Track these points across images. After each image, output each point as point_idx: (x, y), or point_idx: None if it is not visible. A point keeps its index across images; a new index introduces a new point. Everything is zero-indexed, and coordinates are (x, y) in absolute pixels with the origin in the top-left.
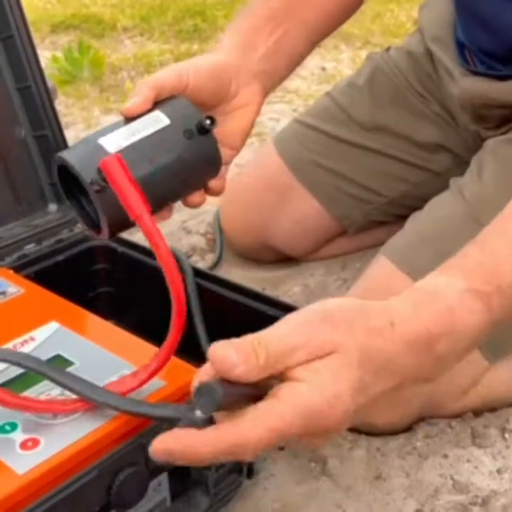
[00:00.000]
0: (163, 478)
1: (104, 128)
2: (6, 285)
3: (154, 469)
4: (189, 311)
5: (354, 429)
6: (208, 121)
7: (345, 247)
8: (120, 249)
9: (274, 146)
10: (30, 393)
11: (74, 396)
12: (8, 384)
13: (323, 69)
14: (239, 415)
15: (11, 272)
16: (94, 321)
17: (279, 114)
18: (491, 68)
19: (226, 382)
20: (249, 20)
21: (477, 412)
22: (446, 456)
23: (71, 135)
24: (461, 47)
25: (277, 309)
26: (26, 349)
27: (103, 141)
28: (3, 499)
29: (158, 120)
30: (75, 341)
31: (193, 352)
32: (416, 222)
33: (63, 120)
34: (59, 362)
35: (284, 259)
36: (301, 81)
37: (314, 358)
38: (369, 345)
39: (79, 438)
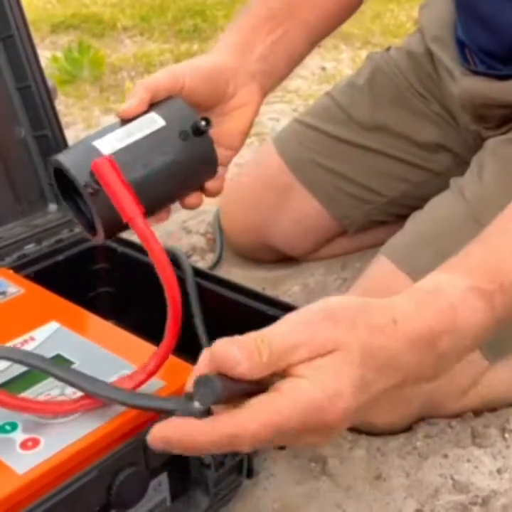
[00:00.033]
0: (163, 478)
1: (100, 130)
2: (6, 285)
3: (154, 469)
4: (189, 311)
5: (354, 429)
6: (203, 122)
7: (345, 247)
8: (120, 249)
9: (274, 146)
10: (30, 393)
11: (72, 396)
12: (8, 383)
13: (323, 69)
14: (238, 407)
15: (11, 271)
16: (94, 321)
17: (279, 113)
18: (491, 68)
19: (227, 377)
20: (248, 20)
21: (477, 412)
22: (446, 456)
23: (71, 135)
24: (461, 46)
25: (277, 309)
26: (26, 349)
27: (98, 143)
28: (3, 499)
29: (154, 122)
30: (75, 341)
31: (193, 352)
32: (416, 222)
33: (63, 120)
34: (59, 362)
35: (284, 259)
36: (301, 81)
37: (316, 355)
38: (371, 343)
39: (79, 438)
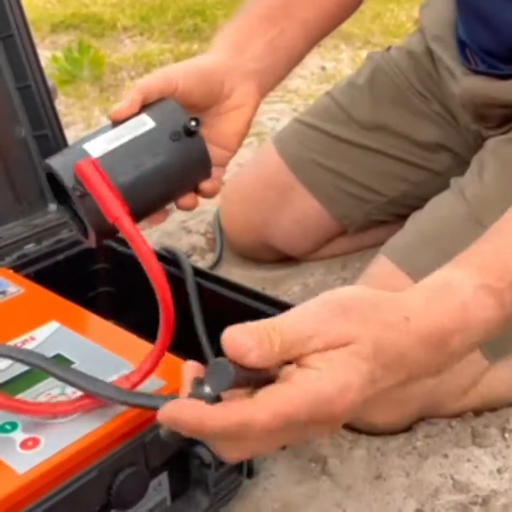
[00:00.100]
0: (163, 477)
1: (92, 133)
2: (5, 285)
3: (154, 469)
4: (189, 311)
5: (354, 429)
6: (192, 123)
7: (345, 246)
8: (120, 248)
9: (273, 146)
10: (31, 392)
11: (72, 396)
12: (9, 383)
13: (323, 68)
14: (249, 396)
15: (11, 271)
16: (94, 321)
17: (279, 113)
18: (492, 67)
19: (237, 364)
20: (244, 20)
21: (477, 412)
22: (446, 455)
23: (71, 135)
24: (462, 46)
25: (277, 309)
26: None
27: (88, 146)
28: (3, 499)
29: (144, 123)
30: (75, 341)
31: (193, 351)
32: (416, 221)
33: (63, 120)
34: (59, 361)
35: (284, 258)
36: (301, 80)
37: (329, 347)
38: (383, 339)
39: (79, 438)
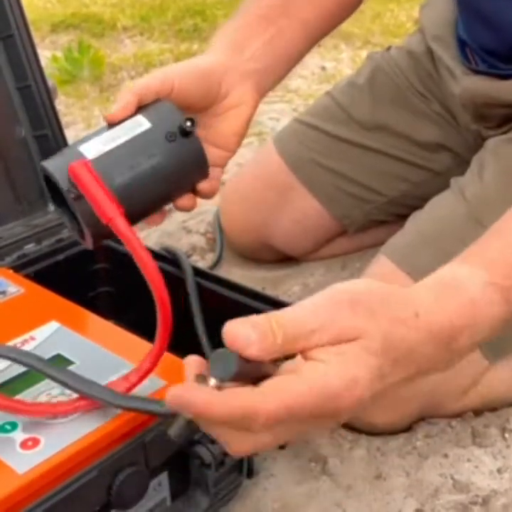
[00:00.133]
0: (163, 477)
1: (88, 135)
2: (5, 285)
3: (154, 469)
4: (189, 311)
5: (354, 429)
6: (188, 123)
7: (345, 246)
8: (120, 248)
9: (274, 146)
10: (30, 392)
11: (71, 396)
12: (8, 383)
13: (323, 68)
14: (257, 385)
15: (11, 271)
16: (95, 321)
17: (279, 113)
18: (492, 67)
19: (240, 357)
20: (243, 19)
21: (477, 412)
22: (446, 455)
23: (71, 135)
24: (462, 45)
25: (277, 309)
26: (27, 348)
27: (83, 148)
28: (3, 499)
29: (139, 124)
30: (75, 341)
31: (193, 352)
32: (416, 221)
33: (63, 120)
34: (59, 361)
35: (284, 258)
36: (302, 80)
37: (338, 341)
38: (392, 333)
39: (79, 437)
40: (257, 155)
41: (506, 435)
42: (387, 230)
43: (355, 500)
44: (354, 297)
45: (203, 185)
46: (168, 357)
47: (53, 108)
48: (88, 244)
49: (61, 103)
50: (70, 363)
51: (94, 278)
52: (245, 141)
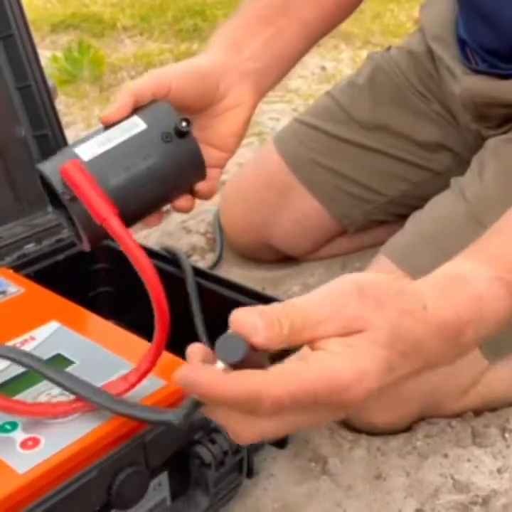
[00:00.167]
0: (163, 477)
1: (84, 136)
2: (6, 284)
3: (154, 469)
4: (189, 311)
5: (354, 429)
6: (183, 123)
7: (345, 246)
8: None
9: (274, 146)
10: (30, 392)
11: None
12: (7, 383)
13: (323, 68)
14: (264, 370)
15: (11, 271)
16: (95, 321)
17: (279, 113)
18: (493, 67)
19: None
20: (242, 19)
21: (477, 412)
22: (446, 455)
23: (71, 134)
24: (462, 45)
25: None
26: (27, 348)
27: (78, 149)
28: (3, 498)
29: (135, 125)
30: (75, 341)
31: None
32: (416, 221)
33: (63, 120)
34: (59, 361)
35: (284, 258)
36: (302, 80)
37: (346, 332)
38: (400, 326)
39: (79, 437)
40: (257, 155)
41: (506, 435)
42: (387, 230)
43: (355, 500)
44: (362, 288)
45: (200, 186)
46: (168, 357)
47: (53, 108)
48: (85, 245)
49: (61, 103)
50: (70, 362)
51: (94, 278)
52: (245, 141)
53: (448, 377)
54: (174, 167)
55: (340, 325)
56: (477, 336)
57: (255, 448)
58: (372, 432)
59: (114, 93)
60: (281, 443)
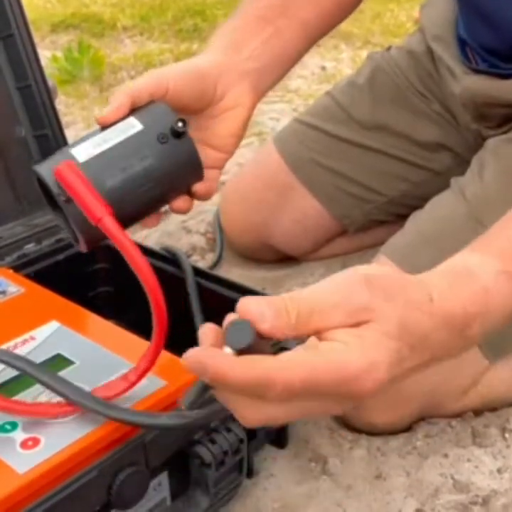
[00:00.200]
0: (163, 477)
1: (81, 138)
2: (6, 284)
3: (154, 469)
4: (189, 311)
5: (354, 429)
6: (179, 124)
7: (345, 246)
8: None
9: (274, 145)
10: (30, 392)
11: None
12: (8, 383)
13: (323, 68)
14: (276, 355)
15: (11, 271)
16: (95, 321)
17: (279, 113)
18: (493, 66)
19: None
20: (241, 19)
21: (477, 412)
22: (446, 455)
23: (71, 134)
24: (462, 44)
25: None
26: (27, 348)
27: (75, 151)
28: (3, 498)
29: (132, 126)
30: (76, 340)
31: None
32: (416, 221)
33: (63, 119)
34: (59, 361)
35: (284, 258)
36: (302, 80)
37: (352, 322)
38: (407, 318)
39: (79, 437)
40: (257, 155)
41: (506, 435)
42: (387, 230)
43: (355, 500)
44: (369, 279)
45: (198, 187)
46: (168, 357)
47: (53, 108)
48: (82, 247)
49: (61, 103)
50: (70, 362)
51: (94, 278)
52: (245, 141)
53: (448, 377)
54: (171, 168)
55: (348, 314)
56: (483, 330)
57: (255, 448)
58: (372, 432)
59: (114, 93)
60: (281, 443)
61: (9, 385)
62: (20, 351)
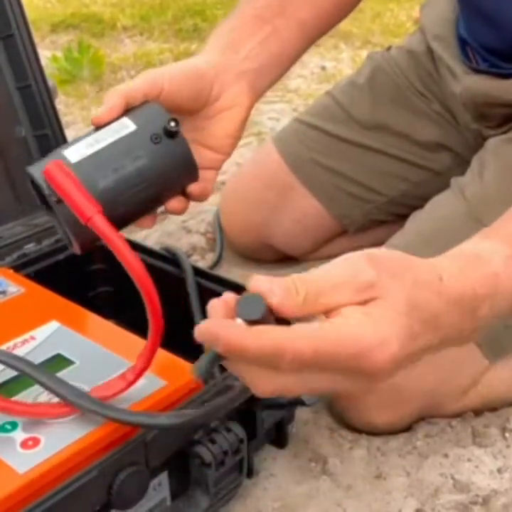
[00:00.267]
0: (164, 477)
1: (74, 139)
2: (6, 284)
3: (154, 469)
4: (189, 311)
5: (354, 429)
6: (172, 124)
7: (345, 246)
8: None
9: (273, 145)
10: (30, 392)
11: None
12: (8, 383)
13: (323, 68)
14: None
15: (11, 271)
16: (95, 320)
17: (279, 113)
18: (493, 66)
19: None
20: (236, 20)
21: (477, 412)
22: (446, 455)
23: (71, 134)
24: (463, 44)
25: None
26: (27, 348)
27: (67, 152)
28: (3, 498)
29: (125, 126)
30: (75, 340)
31: (193, 352)
32: (416, 221)
33: (63, 119)
34: (59, 361)
35: (284, 258)
36: (301, 80)
37: (360, 300)
38: (416, 296)
39: (79, 437)
40: (257, 155)
41: (506, 435)
42: (387, 230)
43: (355, 500)
44: (374, 258)
45: (192, 188)
46: (168, 357)
47: (53, 108)
48: (75, 248)
49: (61, 103)
50: (70, 362)
51: (94, 278)
52: (244, 140)
53: (448, 377)
54: (164, 168)
55: (354, 292)
56: (492, 313)
57: (255, 448)
58: (372, 432)
59: (108, 93)
60: (281, 443)
61: (9, 385)
62: (21, 351)
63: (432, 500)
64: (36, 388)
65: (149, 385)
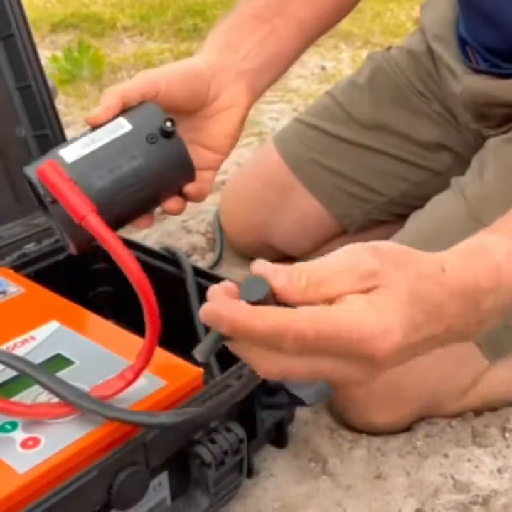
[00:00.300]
0: (164, 477)
1: (70, 139)
2: (6, 284)
3: (154, 469)
4: (189, 311)
5: (354, 429)
6: (168, 123)
7: None
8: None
9: (274, 145)
10: (30, 392)
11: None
12: (8, 383)
13: (323, 68)
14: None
15: (11, 271)
16: (95, 320)
17: (279, 113)
18: (493, 66)
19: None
20: (237, 19)
21: (477, 412)
22: (446, 455)
23: (71, 134)
24: (463, 44)
25: None
26: (27, 348)
27: (63, 152)
28: (3, 498)
29: (121, 126)
30: (75, 340)
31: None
32: (417, 221)
33: (63, 119)
34: (59, 361)
35: (284, 258)
36: (301, 80)
37: (362, 288)
38: (419, 287)
39: (79, 437)
40: (257, 154)
41: (506, 435)
42: (387, 230)
43: (355, 500)
44: (377, 248)
45: (189, 188)
46: (168, 357)
47: (53, 108)
48: (71, 249)
49: (61, 103)
50: (70, 362)
51: (94, 278)
52: (244, 140)
53: (448, 377)
54: (160, 168)
55: (356, 280)
56: (495, 306)
57: (255, 448)
58: (372, 432)
59: (104, 93)
60: (281, 443)
61: (9, 385)
62: (20, 351)
63: (432, 500)
64: (36, 388)
65: (149, 384)
